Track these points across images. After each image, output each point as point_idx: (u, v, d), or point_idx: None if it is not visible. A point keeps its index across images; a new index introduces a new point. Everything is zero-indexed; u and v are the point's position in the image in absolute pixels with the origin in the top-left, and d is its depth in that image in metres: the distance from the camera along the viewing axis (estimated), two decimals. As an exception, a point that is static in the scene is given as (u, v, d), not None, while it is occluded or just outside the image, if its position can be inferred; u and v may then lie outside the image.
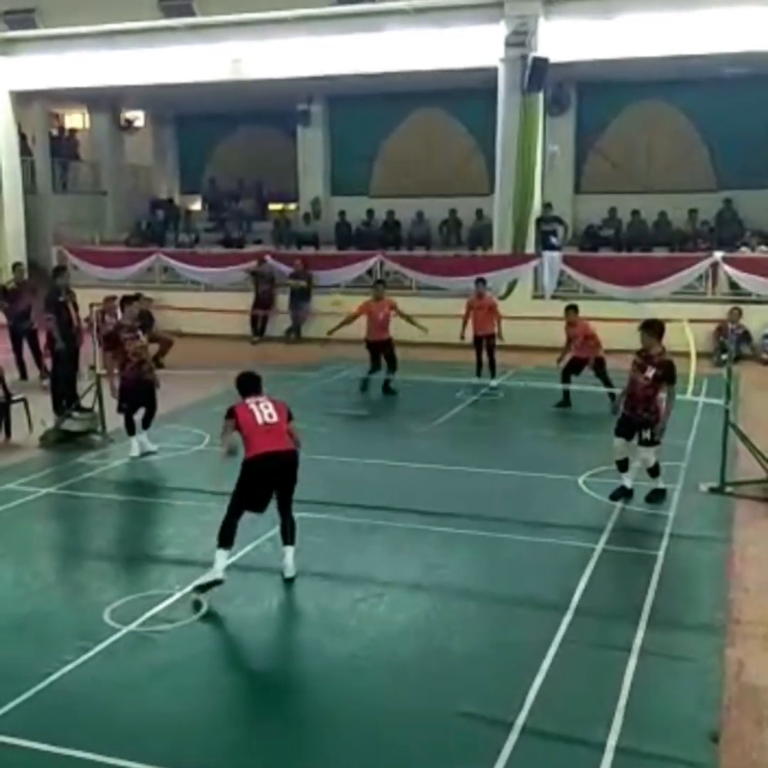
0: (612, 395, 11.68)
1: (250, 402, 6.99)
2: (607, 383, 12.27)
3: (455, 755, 4.77)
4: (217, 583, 6.52)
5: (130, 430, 10.25)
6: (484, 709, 5.13)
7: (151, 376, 10.27)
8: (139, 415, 10.36)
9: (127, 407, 10.13)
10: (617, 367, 14.88)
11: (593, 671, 5.61)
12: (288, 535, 7.01)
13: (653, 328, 8.62)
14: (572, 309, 13.38)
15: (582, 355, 12.77)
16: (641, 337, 8.65)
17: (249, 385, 7.19)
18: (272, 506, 7.04)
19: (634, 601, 6.46)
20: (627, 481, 8.80)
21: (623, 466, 8.79)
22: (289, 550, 6.96)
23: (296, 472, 6.95)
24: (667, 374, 8.44)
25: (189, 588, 6.58)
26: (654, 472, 8.69)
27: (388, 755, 4.80)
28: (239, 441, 6.92)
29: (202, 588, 6.51)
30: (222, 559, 6.62)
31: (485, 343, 14.12)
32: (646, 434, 8.55)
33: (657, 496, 8.68)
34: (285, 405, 7.11)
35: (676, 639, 6.00)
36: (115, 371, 10.18)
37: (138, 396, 10.08)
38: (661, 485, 8.73)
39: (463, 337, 14.04)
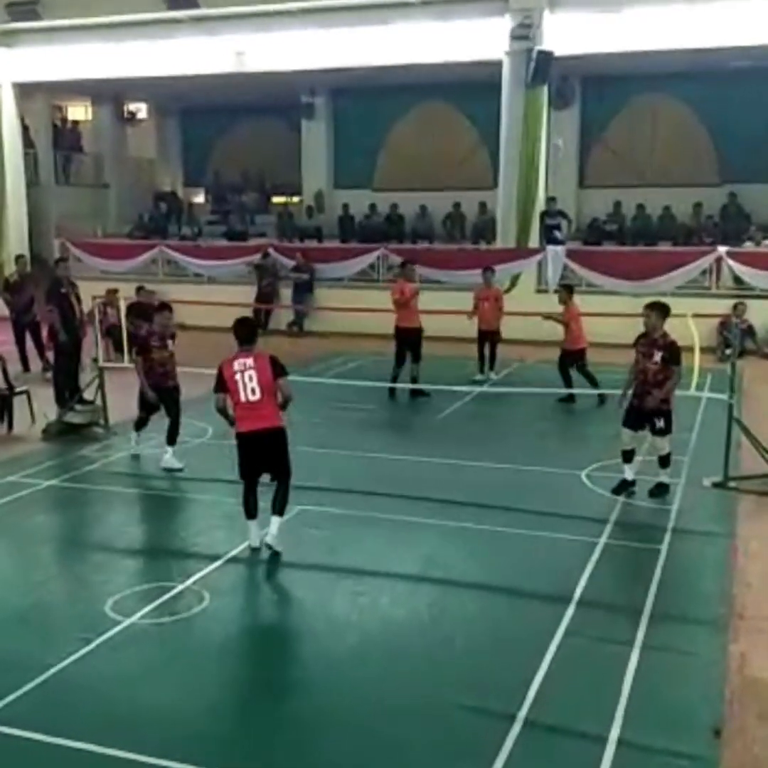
0: (597, 390, 12.01)
1: (237, 364, 7.03)
2: (589, 377, 12.50)
3: (457, 748, 4.76)
4: (254, 549, 7.15)
5: (138, 425, 10.11)
6: (486, 702, 5.12)
7: (173, 383, 9.83)
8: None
9: (144, 415, 10.00)
10: (615, 362, 14.93)
11: (595, 665, 5.60)
12: (276, 504, 7.16)
13: (661, 309, 8.52)
14: (566, 289, 13.37)
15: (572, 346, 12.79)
16: (647, 318, 8.51)
17: (242, 333, 7.20)
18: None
19: (636, 595, 6.45)
20: (629, 473, 8.69)
21: (629, 456, 8.67)
22: (275, 521, 7.11)
23: (283, 445, 7.15)
24: (674, 355, 8.35)
25: (190, 580, 6.57)
26: (665, 461, 8.59)
27: (389, 749, 4.79)
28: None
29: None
30: (253, 529, 7.20)
31: (489, 339, 14.07)
32: (660, 423, 8.43)
33: (660, 491, 8.58)
34: (270, 363, 7.10)
35: (679, 633, 5.99)
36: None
37: (157, 403, 9.81)
38: (665, 479, 8.61)
39: (470, 318, 14.02)
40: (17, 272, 15.36)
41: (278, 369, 7.14)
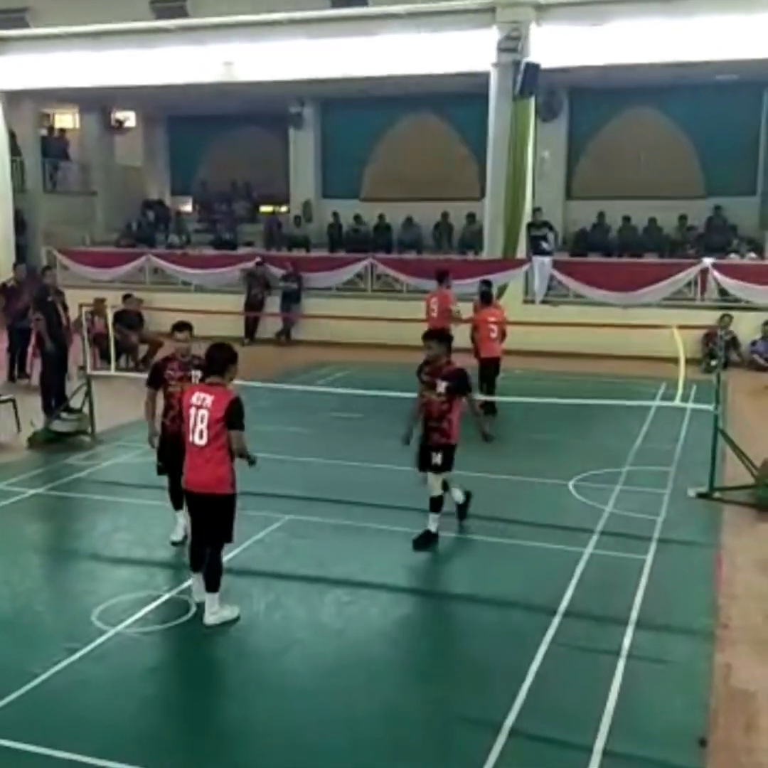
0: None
1: (196, 397, 6.02)
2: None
3: (443, 757, 4.77)
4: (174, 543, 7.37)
5: (176, 501, 7.47)
6: (473, 711, 5.13)
7: None
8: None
9: (162, 467, 7.58)
10: (604, 372, 15.02)
11: (582, 675, 5.62)
12: (206, 577, 6.20)
13: (442, 339, 7.63)
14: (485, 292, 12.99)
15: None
16: (429, 349, 7.58)
17: (212, 360, 6.13)
18: (267, 507, 6.99)
19: (622, 605, 6.47)
20: (433, 524, 7.66)
21: (436, 504, 7.67)
22: (207, 598, 6.17)
23: (219, 515, 6.08)
24: (462, 384, 7.54)
25: (177, 590, 6.56)
26: (436, 505, 7.63)
27: (376, 757, 4.79)
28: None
29: None
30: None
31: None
32: (437, 458, 7.52)
33: (425, 541, 7.54)
34: (227, 408, 5.94)
35: (665, 643, 6.01)
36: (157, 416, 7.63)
37: (178, 457, 6.50)
38: (433, 527, 7.60)
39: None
40: (14, 278, 15.29)
41: (234, 419, 5.94)
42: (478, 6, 17.39)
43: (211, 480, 6.02)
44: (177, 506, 7.44)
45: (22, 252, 21.94)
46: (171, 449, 7.09)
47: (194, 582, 6.37)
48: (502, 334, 12.65)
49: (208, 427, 5.94)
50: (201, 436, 5.96)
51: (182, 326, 7.68)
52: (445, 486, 7.79)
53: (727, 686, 5.44)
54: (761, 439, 10.21)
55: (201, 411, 5.96)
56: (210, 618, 6.13)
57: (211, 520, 6.12)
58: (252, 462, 6.10)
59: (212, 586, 6.16)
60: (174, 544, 7.50)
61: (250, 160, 24.80)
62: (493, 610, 6.64)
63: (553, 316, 16.47)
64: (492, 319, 12.69)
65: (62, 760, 4.67)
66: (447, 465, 7.64)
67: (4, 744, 4.79)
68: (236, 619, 6.18)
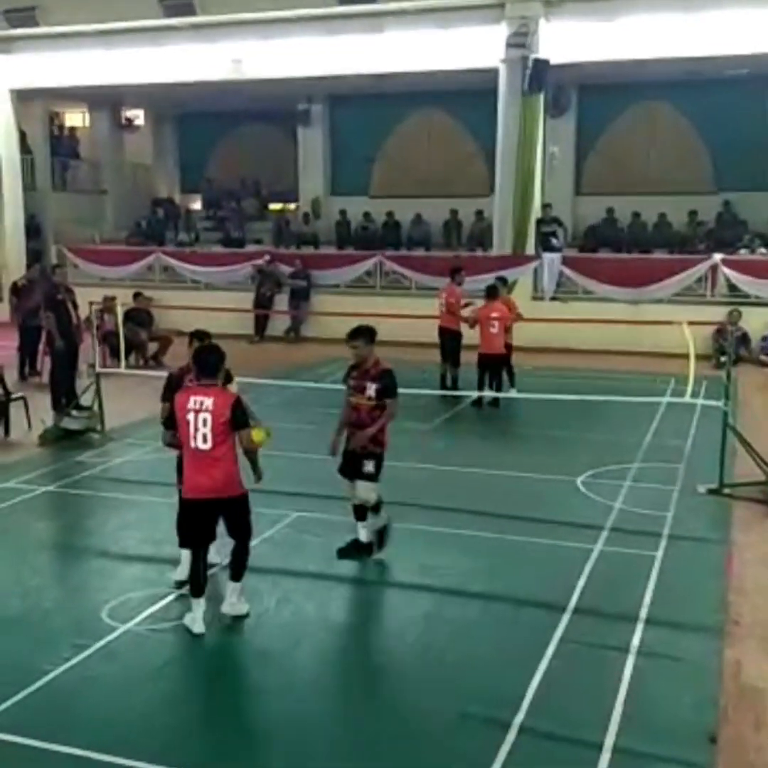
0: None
1: (192, 401, 5.83)
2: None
3: (452, 754, 4.76)
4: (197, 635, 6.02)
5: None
6: (482, 709, 5.12)
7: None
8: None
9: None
10: (614, 369, 14.98)
11: (591, 672, 5.61)
12: (233, 567, 6.18)
13: (365, 336, 7.02)
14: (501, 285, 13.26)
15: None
16: (355, 349, 7.00)
17: (204, 362, 5.99)
18: (276, 504, 6.99)
19: (632, 601, 6.46)
20: (363, 533, 7.24)
21: (360, 513, 7.25)
22: (230, 586, 6.18)
23: (239, 513, 6.03)
24: (389, 385, 6.97)
25: (186, 587, 6.57)
26: (369, 513, 7.18)
27: (385, 756, 4.80)
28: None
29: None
30: (197, 609, 6.02)
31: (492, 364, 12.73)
32: (369, 466, 6.99)
33: (360, 551, 7.17)
34: (231, 409, 5.82)
35: (674, 640, 6.00)
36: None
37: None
38: (364, 537, 7.20)
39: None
40: (26, 276, 15.34)
41: (240, 419, 5.84)
42: (487, 2, 17.33)
43: (223, 483, 5.89)
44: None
45: (37, 256, 21.95)
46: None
47: (195, 610, 6.01)
48: (505, 328, 12.80)
49: (213, 430, 5.79)
50: (205, 441, 5.81)
51: (203, 335, 6.97)
52: (377, 506, 7.17)
53: (737, 683, 5.43)
54: (772, 435, 10.18)
55: (201, 415, 5.79)
56: (228, 608, 6.12)
57: (232, 523, 6.06)
58: (259, 477, 6.05)
59: (238, 575, 6.14)
60: (178, 584, 6.70)
61: (259, 158, 24.81)
62: (502, 607, 6.63)
63: (563, 312, 16.48)
64: (494, 314, 12.72)
65: (72, 756, 4.69)
66: (378, 474, 7.09)
67: (15, 740, 4.81)
68: (246, 616, 6.19)
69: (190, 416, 5.82)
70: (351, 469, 7.08)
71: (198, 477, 5.91)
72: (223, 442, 5.83)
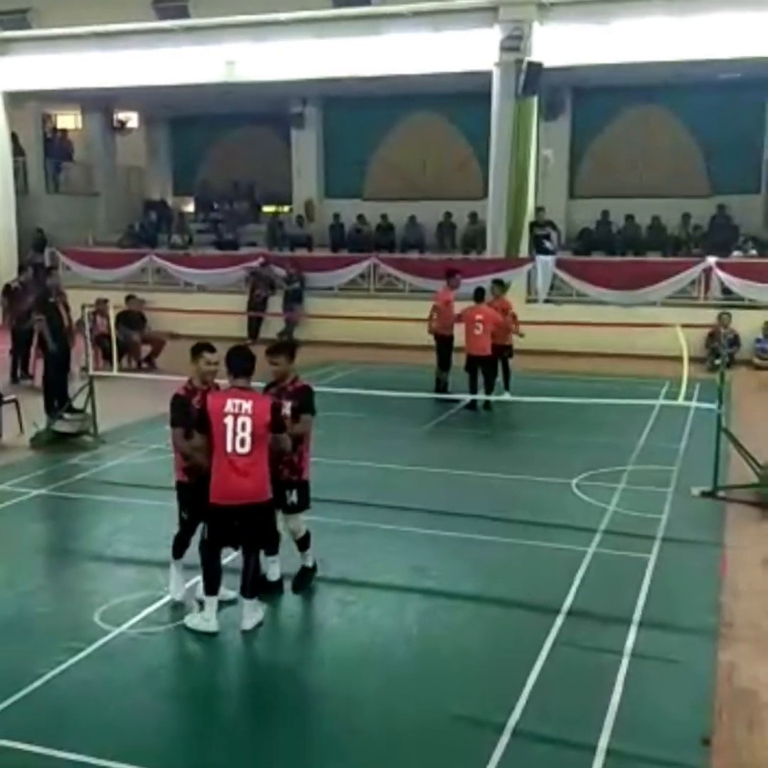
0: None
1: (230, 404, 5.75)
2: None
3: (446, 757, 4.76)
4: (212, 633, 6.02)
5: (177, 550, 6.58)
6: (476, 711, 5.12)
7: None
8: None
9: (187, 519, 6.46)
10: (608, 371, 15.00)
11: (585, 674, 5.61)
12: (246, 582, 6.05)
13: (285, 352, 6.62)
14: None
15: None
16: (275, 365, 6.53)
17: (239, 364, 5.92)
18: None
19: (625, 604, 6.46)
20: (309, 559, 6.81)
21: (302, 542, 6.82)
22: (246, 604, 6.07)
23: (267, 520, 6.07)
24: (305, 403, 6.48)
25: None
26: (304, 544, 6.76)
27: (378, 758, 4.79)
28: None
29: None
30: (209, 607, 6.02)
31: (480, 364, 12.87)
32: (292, 497, 6.54)
33: (302, 580, 6.75)
34: (270, 405, 5.87)
35: (668, 642, 6.01)
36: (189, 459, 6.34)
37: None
38: (309, 562, 6.80)
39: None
40: (19, 279, 15.29)
41: (279, 421, 5.91)
42: (481, 5, 17.37)
43: (259, 488, 5.85)
44: (176, 553, 6.58)
45: (37, 266, 21.83)
46: (198, 494, 6.09)
47: (209, 608, 5.99)
48: (498, 329, 12.89)
49: (253, 433, 5.72)
50: (242, 444, 5.72)
51: (211, 348, 6.36)
52: (305, 541, 6.75)
53: (731, 685, 5.43)
54: (765, 438, 10.18)
55: (240, 418, 5.71)
56: (248, 623, 6.01)
57: (259, 528, 6.00)
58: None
59: (254, 590, 6.06)
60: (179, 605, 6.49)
61: (253, 160, 24.80)
62: (496, 609, 6.64)
63: (556, 315, 16.46)
64: (479, 316, 12.83)
65: (65, 761, 4.66)
66: (304, 503, 6.66)
67: (7, 745, 4.79)
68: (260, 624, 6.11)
69: (228, 420, 5.72)
70: (275, 499, 6.34)
71: (232, 482, 5.79)
72: (261, 446, 5.80)
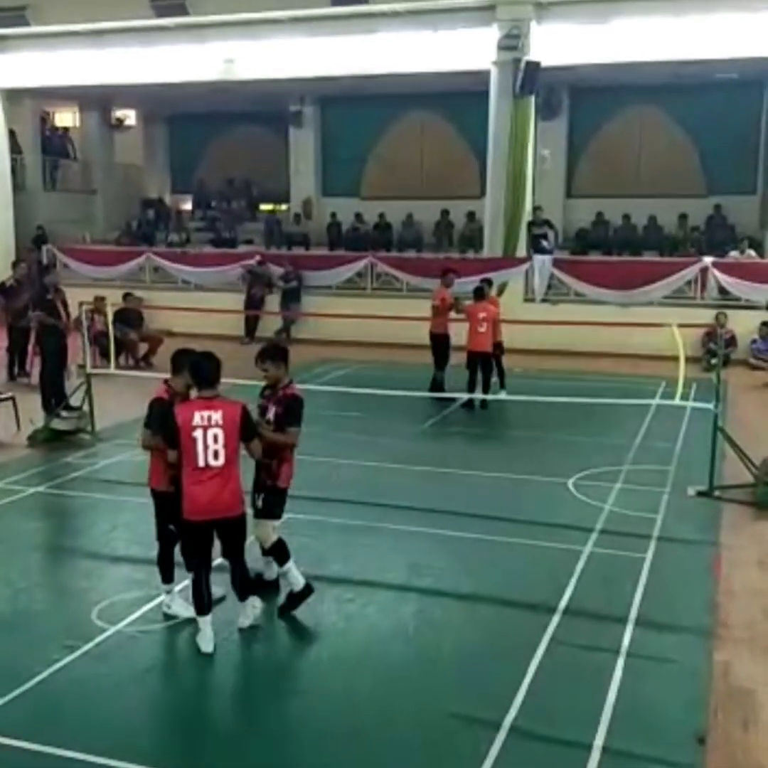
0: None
1: (199, 417, 5.50)
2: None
3: (442, 756, 4.78)
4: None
5: (165, 573, 6.34)
6: (472, 710, 5.13)
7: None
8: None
9: (175, 532, 6.09)
10: (604, 371, 15.02)
11: (581, 673, 5.63)
12: (236, 588, 6.03)
13: (273, 357, 6.34)
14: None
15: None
16: (266, 372, 6.34)
17: (205, 372, 5.66)
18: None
19: (621, 603, 6.48)
20: (298, 579, 6.35)
21: (278, 555, 6.44)
22: (241, 606, 6.04)
23: (243, 533, 5.87)
24: (291, 412, 6.19)
25: (177, 588, 6.56)
26: (277, 555, 6.34)
27: (375, 756, 4.80)
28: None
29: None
30: (205, 629, 5.80)
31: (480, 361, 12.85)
32: (258, 501, 6.30)
33: (293, 601, 6.33)
34: (241, 419, 5.59)
35: (664, 641, 6.03)
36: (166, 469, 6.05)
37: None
38: (299, 585, 6.31)
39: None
40: (14, 277, 15.26)
41: (252, 430, 5.72)
42: (478, 4, 17.35)
43: (233, 501, 5.66)
44: (165, 577, 6.36)
45: (21, 249, 21.88)
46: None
47: (204, 628, 5.77)
48: (494, 326, 12.95)
49: (226, 445, 5.51)
50: (216, 457, 5.51)
51: (183, 354, 6.17)
52: (279, 553, 6.35)
53: (726, 684, 5.45)
54: (761, 438, 10.22)
55: (211, 430, 5.48)
56: (245, 621, 5.99)
57: (237, 541, 5.86)
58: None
59: (246, 593, 6.03)
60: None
61: (250, 159, 24.80)
62: (492, 608, 6.65)
63: (553, 314, 16.49)
64: (482, 314, 12.86)
65: (62, 758, 4.68)
66: (270, 510, 6.30)
67: (4, 742, 4.80)
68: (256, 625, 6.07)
69: (198, 434, 5.49)
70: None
71: (207, 497, 5.58)
72: (235, 457, 5.62)
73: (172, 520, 6.04)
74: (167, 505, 6.03)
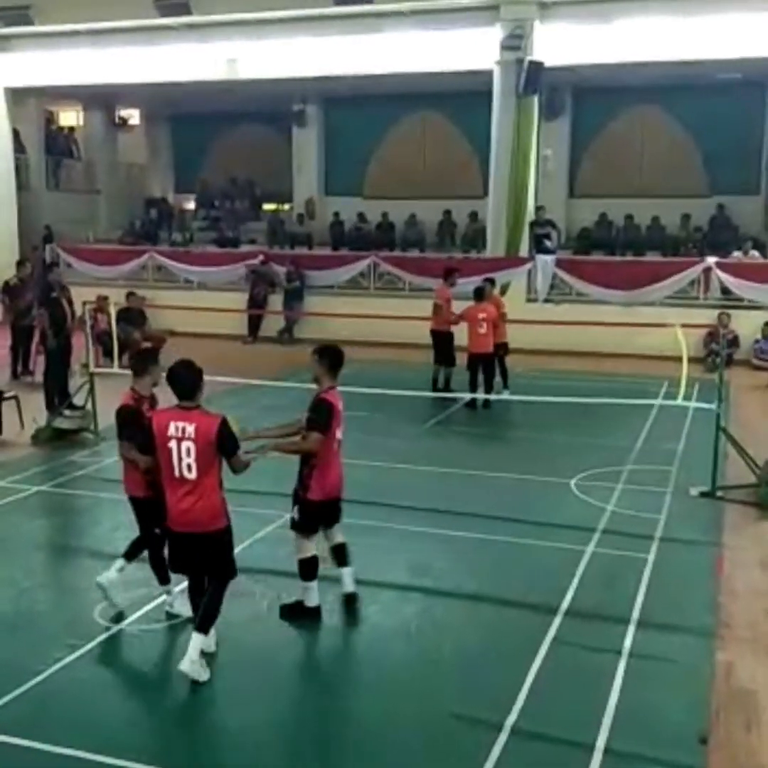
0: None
1: (173, 427, 5.25)
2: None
3: (444, 756, 4.78)
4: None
5: (161, 575, 6.33)
6: (474, 710, 5.13)
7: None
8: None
9: (160, 534, 6.00)
10: (607, 371, 15.02)
11: (583, 673, 5.63)
12: (198, 615, 5.52)
13: (321, 352, 6.19)
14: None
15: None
16: (312, 365, 6.17)
17: (182, 383, 5.35)
18: (268, 504, 6.96)
19: (624, 603, 6.48)
20: (312, 596, 6.26)
21: (307, 569, 6.30)
22: (195, 639, 5.40)
23: (220, 550, 5.47)
24: (313, 416, 6.02)
25: (178, 587, 6.56)
26: (302, 569, 6.24)
27: (377, 756, 4.80)
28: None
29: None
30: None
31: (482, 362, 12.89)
32: (294, 512, 6.22)
33: (293, 613, 6.26)
34: (217, 437, 5.24)
35: (666, 642, 6.02)
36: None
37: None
38: (310, 601, 6.23)
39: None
40: (17, 276, 15.28)
41: (228, 445, 5.30)
42: (482, 4, 17.36)
43: (204, 516, 5.32)
44: (162, 579, 6.35)
45: (24, 248, 21.91)
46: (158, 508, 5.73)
47: (209, 639, 5.55)
48: (495, 328, 12.93)
49: (198, 459, 5.22)
50: (189, 470, 5.24)
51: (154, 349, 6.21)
52: (307, 570, 6.25)
53: (729, 685, 5.45)
54: (763, 438, 10.21)
55: (184, 443, 5.21)
56: (187, 665, 5.30)
57: (209, 559, 5.46)
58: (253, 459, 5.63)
59: (205, 624, 5.43)
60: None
61: (254, 158, 24.79)
62: (494, 608, 6.65)
63: (556, 314, 16.47)
64: (482, 315, 12.83)
65: (64, 757, 4.69)
66: (296, 524, 6.22)
67: (7, 741, 4.81)
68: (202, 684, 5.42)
69: (172, 444, 5.24)
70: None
71: (181, 509, 5.35)
72: (210, 471, 5.29)
73: (156, 524, 5.97)
74: (147, 510, 6.00)
